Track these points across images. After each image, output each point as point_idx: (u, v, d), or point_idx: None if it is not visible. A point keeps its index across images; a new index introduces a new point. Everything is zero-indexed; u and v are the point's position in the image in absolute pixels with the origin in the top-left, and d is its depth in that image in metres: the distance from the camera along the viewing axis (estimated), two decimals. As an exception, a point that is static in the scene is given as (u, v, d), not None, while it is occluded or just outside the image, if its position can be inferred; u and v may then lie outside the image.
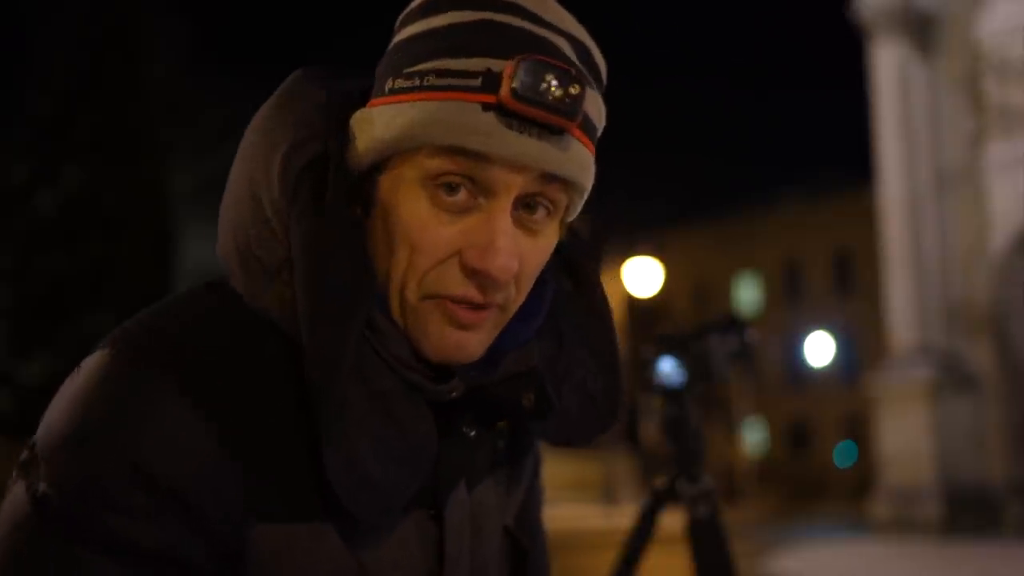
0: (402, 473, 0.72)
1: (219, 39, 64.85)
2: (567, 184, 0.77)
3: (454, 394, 0.77)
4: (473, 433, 0.81)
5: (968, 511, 16.86)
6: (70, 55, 25.17)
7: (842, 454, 39.31)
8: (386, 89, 0.75)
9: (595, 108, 0.82)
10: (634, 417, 32.09)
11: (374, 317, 0.74)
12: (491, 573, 0.85)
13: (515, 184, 0.73)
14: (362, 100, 0.79)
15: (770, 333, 42.26)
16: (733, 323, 2.02)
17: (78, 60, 25.04)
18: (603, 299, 0.89)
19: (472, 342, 0.76)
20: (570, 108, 0.72)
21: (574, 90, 0.72)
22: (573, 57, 0.77)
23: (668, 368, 1.91)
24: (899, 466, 17.50)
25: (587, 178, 0.80)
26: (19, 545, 0.68)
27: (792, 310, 43.81)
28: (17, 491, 0.70)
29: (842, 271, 42.85)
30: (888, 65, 18.71)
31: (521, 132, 0.71)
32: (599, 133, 0.84)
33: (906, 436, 17.40)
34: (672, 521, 1.91)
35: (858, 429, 37.75)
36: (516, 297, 0.78)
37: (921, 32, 18.72)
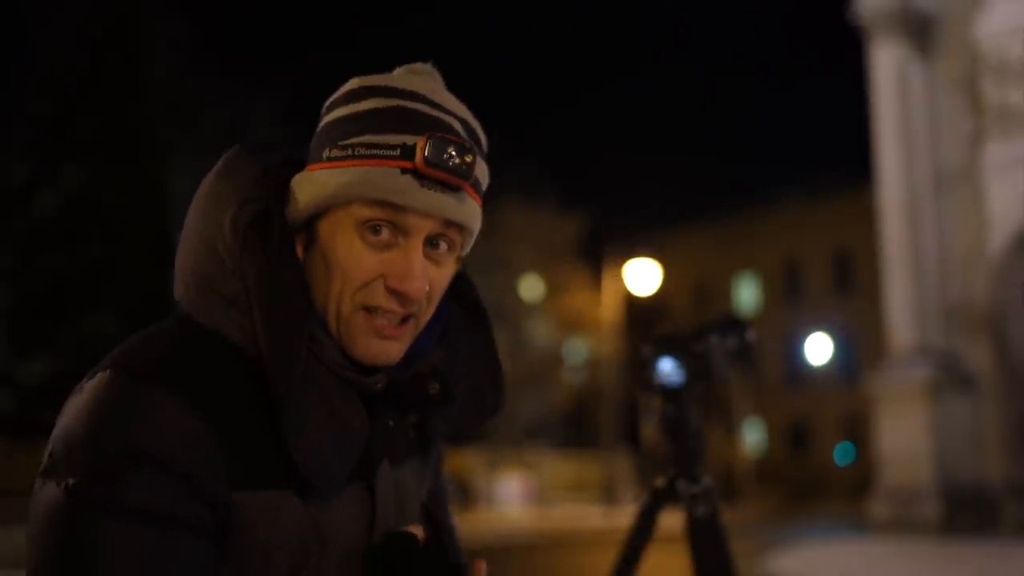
0: (343, 452, 0.95)
1: (219, 39, 64.87)
2: (462, 228, 1.02)
3: (379, 386, 1.01)
4: (391, 423, 1.05)
5: (967, 511, 16.88)
6: (70, 55, 25.17)
7: (841, 455, 39.35)
8: (324, 157, 0.98)
9: (482, 171, 1.03)
10: (634, 417, 32.14)
11: (314, 332, 0.97)
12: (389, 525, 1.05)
13: (425, 227, 0.98)
14: (291, 167, 1.03)
15: (770, 333, 42.27)
16: (733, 323, 2.03)
17: (78, 60, 25.04)
18: (487, 319, 1.14)
19: (393, 349, 1.01)
20: (465, 172, 0.97)
21: (468, 159, 0.97)
22: (463, 133, 1.01)
23: (668, 368, 1.92)
24: (898, 466, 17.52)
25: (476, 224, 1.03)
26: (61, 529, 0.87)
27: (792, 310, 43.82)
28: (47, 490, 0.90)
29: (842, 271, 42.86)
30: (887, 66, 18.73)
31: (430, 189, 0.97)
32: (484, 190, 1.06)
33: (905, 436, 17.42)
34: (672, 521, 1.92)
35: (857, 429, 37.77)
36: (427, 311, 1.03)
37: (920, 33, 18.74)
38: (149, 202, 25.16)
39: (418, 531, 1.01)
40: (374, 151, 0.96)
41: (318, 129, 1.02)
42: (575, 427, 36.81)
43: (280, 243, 0.97)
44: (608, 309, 28.04)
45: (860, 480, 30.20)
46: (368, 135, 0.97)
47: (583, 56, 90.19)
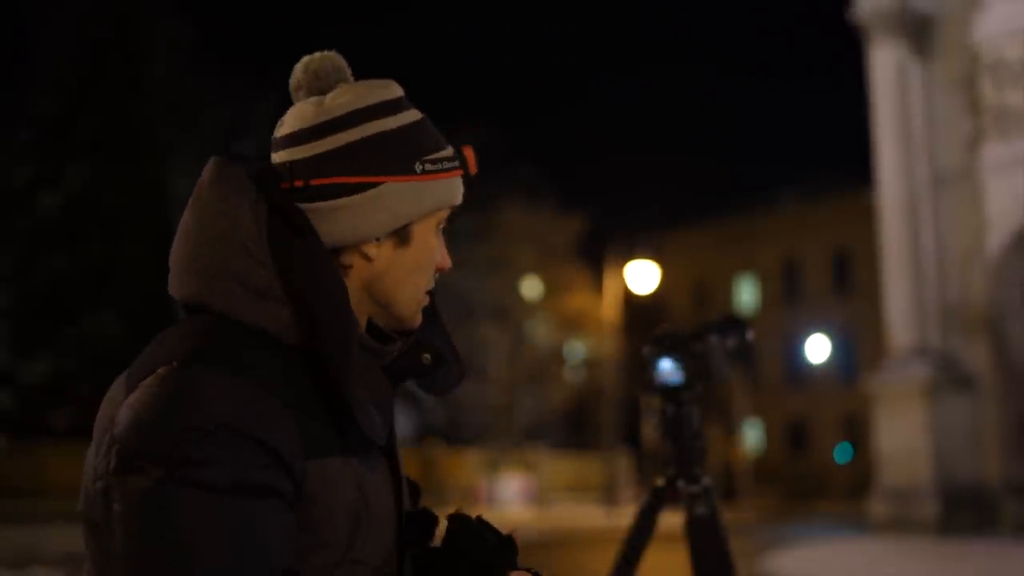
0: (385, 417, 1.06)
1: (219, 40, 64.79)
2: None
3: (394, 354, 1.13)
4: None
5: (965, 510, 16.88)
6: (71, 56, 25.15)
7: (840, 455, 39.35)
8: (416, 170, 1.09)
9: None
10: (634, 417, 32.12)
11: (354, 319, 1.07)
12: (406, 497, 1.18)
13: None
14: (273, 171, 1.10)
15: (769, 333, 42.24)
16: (732, 323, 2.05)
17: (79, 61, 25.01)
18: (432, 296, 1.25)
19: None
20: None
21: None
22: None
23: (668, 367, 1.93)
24: (897, 465, 17.52)
25: None
26: (162, 517, 0.90)
27: (791, 310, 43.79)
28: (133, 484, 0.92)
29: (841, 271, 42.83)
30: (886, 66, 18.73)
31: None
32: None
33: (904, 435, 17.42)
34: (672, 520, 1.93)
35: (856, 429, 37.75)
36: None
37: (919, 34, 18.74)
38: (150, 202, 25.14)
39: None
40: (450, 164, 1.12)
41: (359, 137, 1.08)
42: (575, 427, 36.78)
43: (309, 235, 1.04)
44: (608, 309, 28.03)
45: (859, 480, 30.20)
46: (441, 151, 1.11)
47: (583, 56, 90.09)
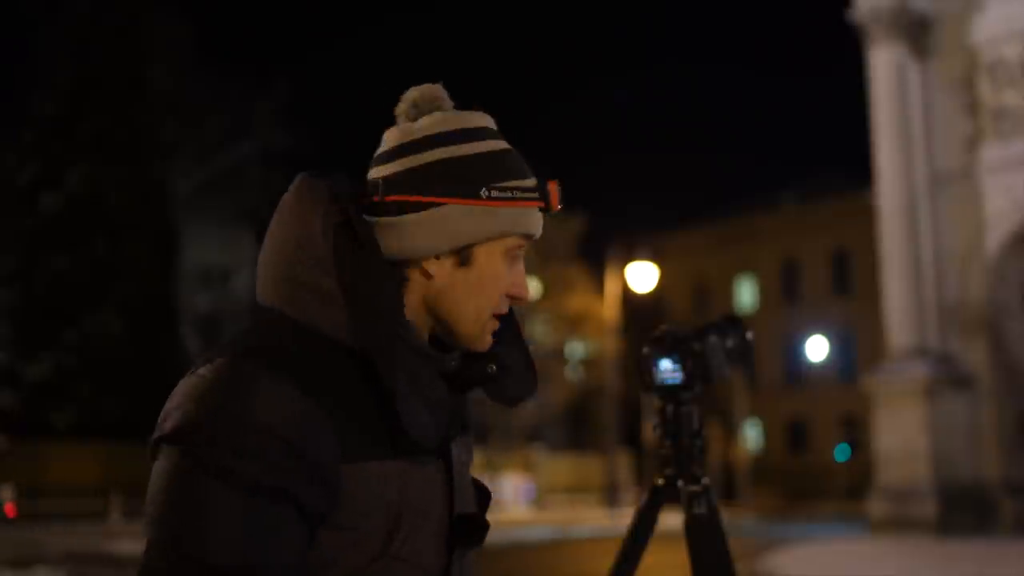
0: (438, 421, 1.10)
1: (220, 40, 64.78)
2: None
3: (454, 363, 1.18)
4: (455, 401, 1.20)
5: (964, 509, 16.90)
6: (72, 57, 25.15)
7: (839, 456, 39.39)
8: (482, 195, 1.14)
9: None
10: (634, 417, 32.12)
11: (403, 320, 1.12)
12: (470, 507, 1.20)
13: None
14: (353, 186, 1.18)
15: (769, 333, 42.24)
16: (732, 323, 2.05)
17: (81, 62, 25.02)
18: (513, 311, 1.29)
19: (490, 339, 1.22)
20: None
21: None
22: None
23: (668, 367, 1.94)
24: (896, 465, 17.54)
25: None
26: (177, 490, 0.96)
27: (790, 310, 43.79)
28: (168, 454, 0.98)
29: (841, 271, 42.83)
30: (885, 67, 18.74)
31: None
32: None
33: (903, 435, 17.44)
34: (671, 519, 1.94)
35: (855, 429, 37.76)
36: None
37: (917, 34, 18.75)
38: (151, 202, 25.15)
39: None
40: (524, 194, 1.16)
41: (430, 160, 1.15)
42: (575, 427, 36.78)
43: (370, 247, 1.11)
44: (608, 309, 28.05)
45: (858, 479, 30.20)
46: (515, 179, 1.16)
47: (583, 56, 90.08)
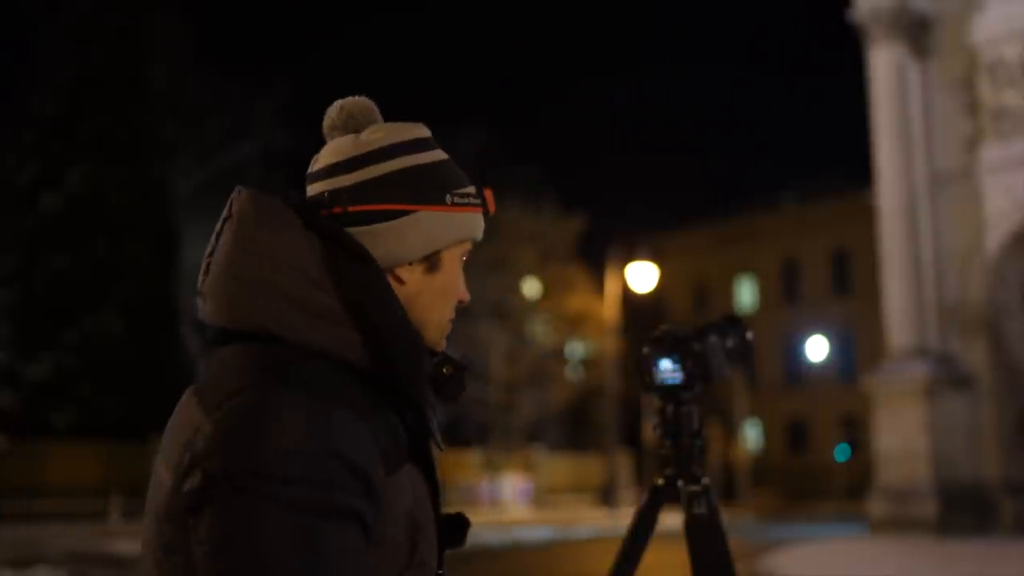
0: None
1: (220, 40, 64.75)
2: None
3: (428, 370, 1.22)
4: None
5: (964, 509, 16.90)
6: (73, 57, 25.14)
7: (839, 456, 39.42)
8: (447, 201, 1.18)
9: None
10: (634, 417, 32.11)
11: (420, 336, 1.16)
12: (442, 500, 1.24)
13: None
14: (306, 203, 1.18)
15: (769, 333, 42.25)
16: (732, 323, 2.05)
17: (81, 62, 25.01)
18: None
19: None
20: None
21: None
22: None
23: (668, 367, 1.94)
24: (896, 465, 17.54)
25: None
26: (253, 526, 0.93)
27: (790, 310, 43.80)
28: (223, 498, 0.94)
29: (841, 271, 42.84)
30: (885, 67, 18.74)
31: None
32: None
33: (903, 435, 17.44)
34: (671, 519, 1.94)
35: (855, 429, 37.77)
36: None
37: (917, 34, 18.75)
38: (152, 202, 25.14)
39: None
40: (475, 200, 1.21)
41: (395, 168, 1.17)
42: (575, 427, 36.78)
43: (368, 260, 1.12)
44: (608, 309, 28.06)
45: (858, 479, 30.21)
46: (468, 187, 1.21)
47: (583, 56, 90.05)
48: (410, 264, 1.17)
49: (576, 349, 36.38)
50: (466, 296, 1.25)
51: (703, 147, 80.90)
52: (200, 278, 1.14)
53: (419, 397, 1.10)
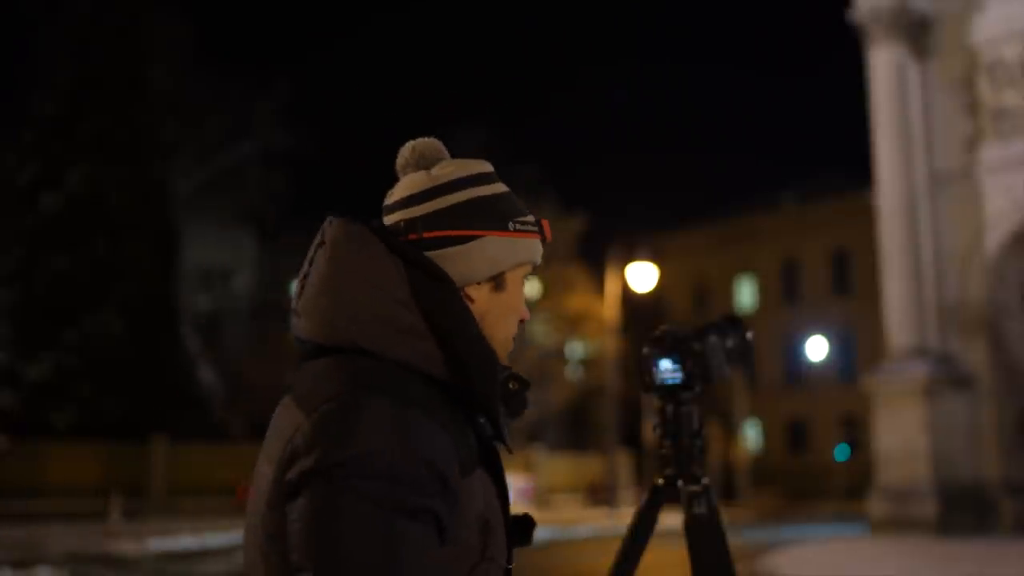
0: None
1: (221, 40, 64.73)
2: None
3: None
4: None
5: (964, 509, 16.90)
6: (73, 57, 25.14)
7: (839, 456, 39.43)
8: (510, 227, 1.31)
9: None
10: (634, 417, 32.11)
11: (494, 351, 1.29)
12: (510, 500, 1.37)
13: None
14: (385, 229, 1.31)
15: (768, 333, 42.25)
16: (732, 323, 2.05)
17: (82, 62, 25.01)
18: None
19: None
20: None
21: None
22: None
23: (668, 367, 1.94)
24: (895, 465, 17.54)
25: None
26: (367, 528, 1.05)
27: (790, 310, 43.80)
28: (327, 491, 1.06)
29: (841, 271, 42.84)
30: (885, 67, 18.74)
31: None
32: None
33: (902, 435, 17.44)
34: (671, 519, 1.94)
35: (855, 429, 37.77)
36: None
37: (917, 34, 18.75)
38: (151, 202, 25.15)
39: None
40: (533, 228, 1.33)
41: (464, 199, 1.30)
42: (575, 427, 36.79)
43: (449, 282, 1.25)
44: (608, 309, 28.06)
45: (858, 479, 30.20)
46: (528, 216, 1.34)
47: (583, 56, 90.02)
48: (478, 284, 1.30)
49: (576, 349, 36.38)
50: (527, 315, 1.37)
51: (703, 147, 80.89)
52: (295, 299, 1.27)
53: (494, 407, 1.23)
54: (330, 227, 1.27)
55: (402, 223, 1.29)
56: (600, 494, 29.97)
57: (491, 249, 1.29)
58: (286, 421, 1.16)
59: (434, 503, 1.09)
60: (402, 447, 1.08)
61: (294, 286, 1.29)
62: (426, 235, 1.27)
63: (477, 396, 1.21)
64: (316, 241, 1.28)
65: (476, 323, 1.25)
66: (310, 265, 1.26)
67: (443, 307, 1.22)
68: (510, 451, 1.30)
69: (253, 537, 1.15)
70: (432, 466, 1.09)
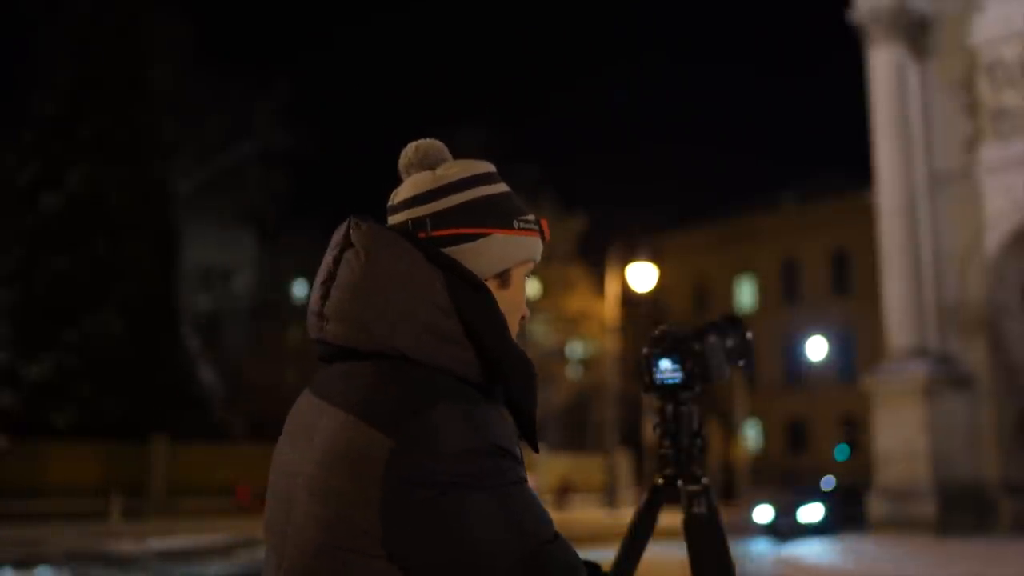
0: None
1: (221, 40, 64.75)
2: None
3: None
4: None
5: (963, 509, 16.91)
6: (73, 57, 25.14)
7: (839, 456, 39.45)
8: (515, 225, 1.34)
9: None
10: (634, 417, 32.12)
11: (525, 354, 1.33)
12: None
13: None
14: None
15: (768, 333, 42.27)
16: (732, 323, 2.05)
17: (82, 62, 25.01)
18: None
19: None
20: None
21: None
22: None
23: (668, 367, 1.94)
24: (895, 465, 17.55)
25: None
26: (496, 500, 1.14)
27: (790, 310, 43.82)
28: (424, 496, 1.12)
29: (840, 271, 42.86)
30: (884, 67, 18.75)
31: None
32: None
33: (902, 435, 17.45)
34: (671, 519, 1.95)
35: (855, 429, 37.78)
36: None
37: (917, 35, 18.76)
38: (152, 202, 25.15)
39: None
40: (535, 226, 1.37)
41: (471, 197, 1.33)
42: (575, 427, 36.80)
43: (485, 289, 1.29)
44: (608, 309, 28.07)
45: (858, 480, 30.20)
46: (530, 215, 1.37)
47: (583, 56, 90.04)
48: (486, 280, 1.32)
49: (576, 349, 36.39)
50: (527, 313, 1.40)
51: (703, 147, 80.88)
52: (317, 302, 1.28)
53: (530, 408, 1.27)
54: (357, 231, 1.28)
55: (410, 222, 1.30)
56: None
57: (498, 246, 1.33)
58: (325, 422, 1.20)
59: (522, 472, 1.19)
60: (482, 441, 1.15)
61: (310, 288, 1.29)
62: (435, 233, 1.29)
63: (513, 398, 1.27)
64: (336, 242, 1.29)
65: (509, 329, 1.29)
66: (335, 267, 1.27)
67: (485, 317, 1.26)
68: (536, 451, 1.35)
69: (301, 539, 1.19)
70: (509, 449, 1.18)
